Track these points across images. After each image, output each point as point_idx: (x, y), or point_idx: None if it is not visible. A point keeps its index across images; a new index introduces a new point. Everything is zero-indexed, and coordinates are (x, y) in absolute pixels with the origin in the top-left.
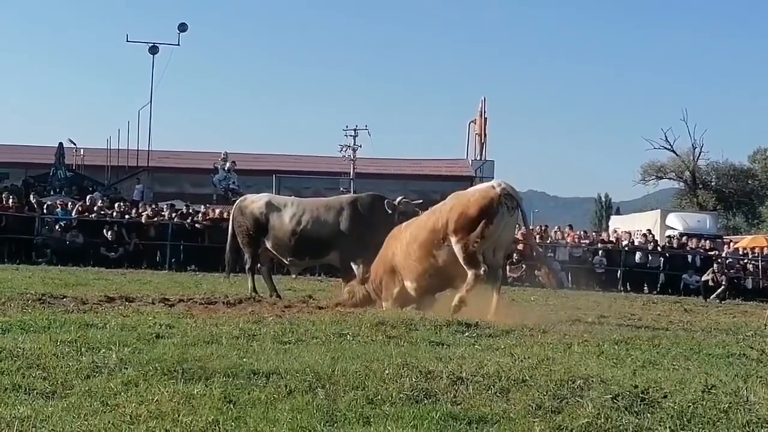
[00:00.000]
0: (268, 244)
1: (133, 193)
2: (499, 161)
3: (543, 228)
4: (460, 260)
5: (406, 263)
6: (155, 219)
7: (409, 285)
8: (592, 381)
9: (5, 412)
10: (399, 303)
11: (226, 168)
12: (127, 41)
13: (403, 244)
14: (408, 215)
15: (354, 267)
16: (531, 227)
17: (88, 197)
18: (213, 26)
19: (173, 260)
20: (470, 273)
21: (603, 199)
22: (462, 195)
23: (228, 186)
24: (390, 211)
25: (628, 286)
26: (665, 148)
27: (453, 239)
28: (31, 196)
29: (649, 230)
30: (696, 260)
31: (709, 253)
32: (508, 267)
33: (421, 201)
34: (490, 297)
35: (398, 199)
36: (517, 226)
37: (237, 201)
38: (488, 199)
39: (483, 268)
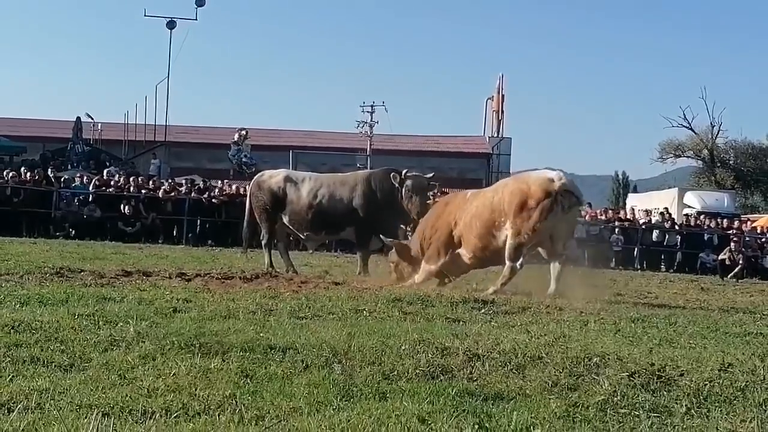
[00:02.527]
0: (285, 219)
1: (150, 168)
2: (516, 138)
3: None
4: (507, 246)
5: (468, 236)
6: (172, 194)
7: (465, 255)
8: (609, 359)
9: (24, 384)
10: (448, 270)
11: (236, 140)
12: (145, 16)
13: (467, 216)
14: (417, 188)
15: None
16: None
17: (104, 171)
18: (230, 1)
19: (190, 235)
20: (507, 264)
21: (620, 177)
22: (522, 180)
23: (241, 160)
24: (396, 184)
25: (644, 265)
26: (683, 126)
27: (508, 223)
28: (49, 170)
29: (666, 208)
30: (713, 239)
31: (727, 231)
32: None
33: (433, 174)
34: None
35: (404, 171)
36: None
37: (255, 176)
38: (546, 193)
39: (520, 262)
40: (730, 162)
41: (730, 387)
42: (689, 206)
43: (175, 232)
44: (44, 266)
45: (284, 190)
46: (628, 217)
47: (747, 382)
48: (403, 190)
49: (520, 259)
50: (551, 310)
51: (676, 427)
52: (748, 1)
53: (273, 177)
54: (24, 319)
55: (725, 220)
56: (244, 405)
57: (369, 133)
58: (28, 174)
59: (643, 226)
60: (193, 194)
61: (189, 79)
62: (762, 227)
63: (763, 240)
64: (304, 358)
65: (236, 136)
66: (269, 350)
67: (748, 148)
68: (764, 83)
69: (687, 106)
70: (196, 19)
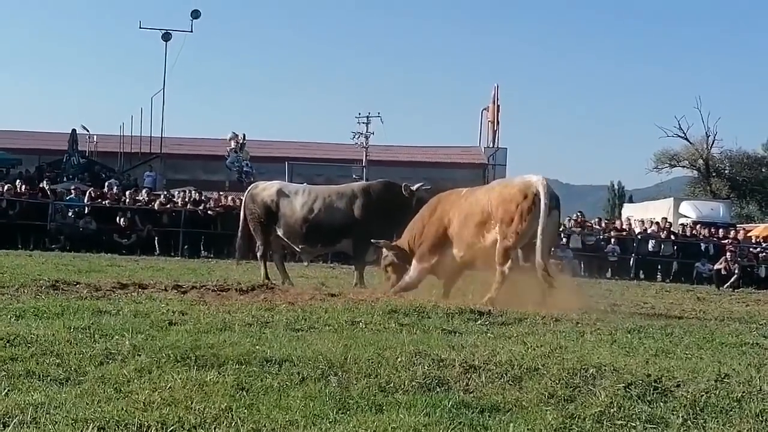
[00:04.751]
0: (280, 232)
1: (145, 181)
2: (511, 149)
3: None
4: (496, 251)
5: (461, 233)
6: (168, 206)
7: (456, 253)
8: (605, 370)
9: (19, 398)
10: (440, 270)
11: (232, 147)
12: (140, 28)
13: (462, 214)
14: (425, 202)
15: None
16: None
17: (106, 184)
18: (226, 13)
19: (186, 247)
20: (498, 270)
21: (616, 186)
22: (506, 185)
23: (241, 168)
24: (407, 195)
25: (640, 275)
26: (679, 136)
27: (497, 227)
28: (45, 183)
29: (664, 218)
30: (709, 249)
31: (723, 241)
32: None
33: (430, 187)
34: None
35: (417, 185)
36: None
37: (249, 188)
38: (524, 196)
39: (508, 266)
40: (726, 171)
41: (727, 398)
42: (685, 216)
43: (171, 244)
44: (39, 279)
45: (277, 204)
46: (623, 226)
47: (743, 392)
48: (414, 202)
49: (508, 263)
50: (547, 321)
51: None
52: (743, 10)
53: (266, 189)
54: (19, 332)
55: (721, 230)
56: (240, 418)
57: (364, 144)
58: (24, 186)
59: (639, 236)
60: (188, 206)
61: (185, 91)
62: (757, 237)
63: (759, 249)
64: (300, 370)
65: (233, 143)
66: (265, 363)
67: (743, 158)
68: (759, 94)
69: (682, 116)
70: (191, 31)
